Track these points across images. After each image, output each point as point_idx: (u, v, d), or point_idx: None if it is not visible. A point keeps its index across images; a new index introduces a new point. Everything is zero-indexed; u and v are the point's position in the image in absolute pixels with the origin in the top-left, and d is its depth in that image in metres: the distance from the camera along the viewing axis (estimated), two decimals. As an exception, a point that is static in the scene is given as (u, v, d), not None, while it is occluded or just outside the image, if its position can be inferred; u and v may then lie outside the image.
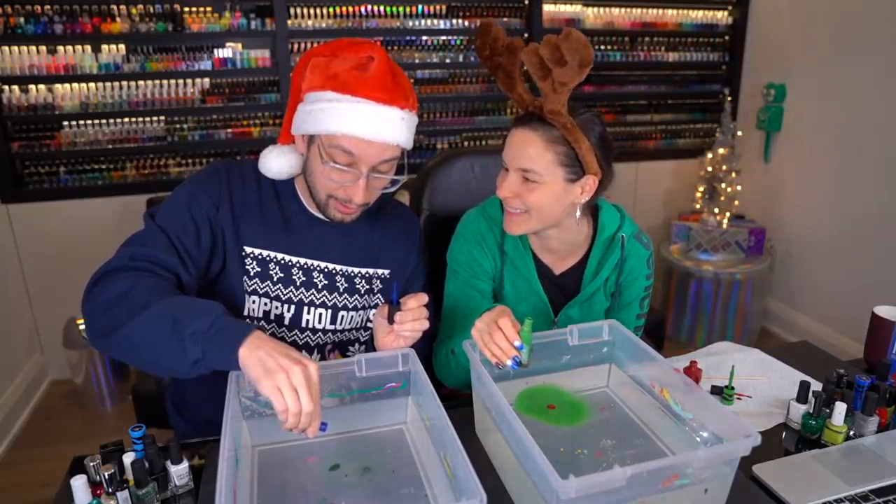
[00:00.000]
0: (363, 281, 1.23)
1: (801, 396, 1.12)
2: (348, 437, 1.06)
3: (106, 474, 0.88)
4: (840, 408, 1.07)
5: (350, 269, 1.21)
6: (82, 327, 2.60)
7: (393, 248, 1.26)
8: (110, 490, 0.89)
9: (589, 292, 1.29)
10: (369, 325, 1.28)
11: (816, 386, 1.17)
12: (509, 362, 0.99)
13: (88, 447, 1.03)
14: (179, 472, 0.94)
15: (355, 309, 1.23)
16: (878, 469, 1.00)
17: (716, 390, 1.22)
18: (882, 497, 0.95)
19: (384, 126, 1.02)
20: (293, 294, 1.17)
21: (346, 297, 1.21)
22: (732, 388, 1.20)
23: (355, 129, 1.01)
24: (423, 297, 1.09)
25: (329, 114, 1.02)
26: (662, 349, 1.47)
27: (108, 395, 2.66)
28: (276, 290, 1.15)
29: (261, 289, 1.14)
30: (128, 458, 0.94)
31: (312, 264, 1.18)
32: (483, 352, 1.01)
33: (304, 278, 1.17)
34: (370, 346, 1.28)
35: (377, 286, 1.25)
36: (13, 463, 2.32)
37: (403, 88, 1.05)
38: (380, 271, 1.25)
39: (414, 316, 1.06)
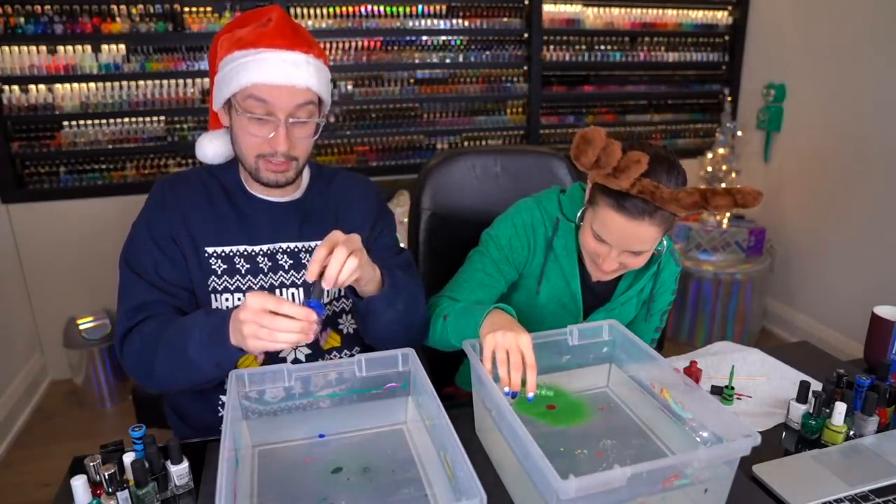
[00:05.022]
0: None
1: (801, 396, 1.12)
2: (348, 438, 1.06)
3: (106, 474, 0.88)
4: (840, 408, 1.07)
5: (313, 243, 1.21)
6: (82, 327, 2.60)
7: (350, 211, 1.26)
8: (110, 490, 0.88)
9: (619, 302, 1.29)
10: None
11: (816, 386, 1.17)
12: (507, 389, 0.97)
13: (88, 447, 1.03)
14: (179, 472, 0.94)
15: None
16: (878, 469, 1.00)
17: (716, 390, 1.22)
18: (882, 497, 0.95)
19: (289, 69, 1.05)
20: (263, 281, 1.17)
21: None
22: (732, 388, 1.20)
23: (262, 76, 1.04)
24: (321, 251, 0.96)
25: (237, 71, 1.05)
26: (662, 349, 1.47)
27: (108, 395, 2.66)
28: (246, 283, 1.16)
29: (231, 285, 1.15)
30: (128, 458, 0.94)
31: (275, 247, 1.18)
32: (496, 364, 0.98)
33: (269, 263, 1.18)
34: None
35: None
36: (13, 463, 2.32)
37: (305, 38, 1.09)
38: None
39: (336, 267, 0.95)
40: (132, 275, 1.12)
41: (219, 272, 1.15)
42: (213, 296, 1.15)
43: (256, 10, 1.11)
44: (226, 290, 1.15)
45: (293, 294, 1.20)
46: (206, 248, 1.14)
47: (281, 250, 1.19)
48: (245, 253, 1.16)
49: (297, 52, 1.06)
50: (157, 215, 1.14)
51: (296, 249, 1.20)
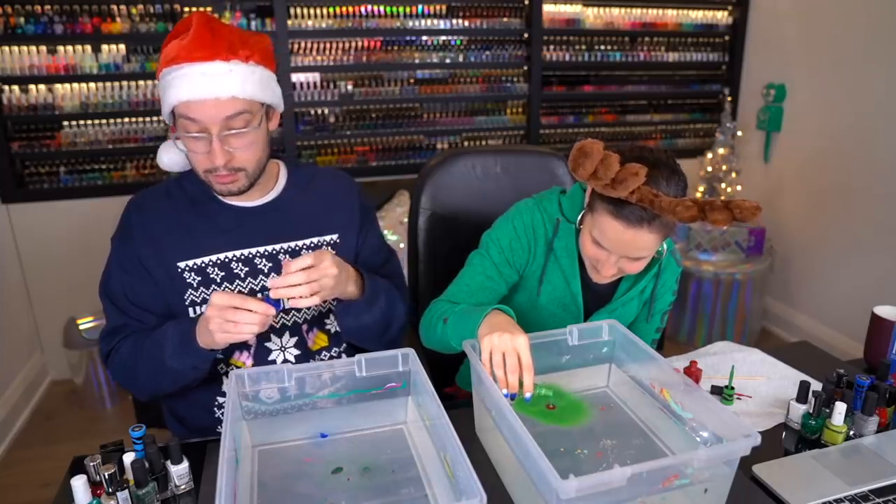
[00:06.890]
0: (311, 251, 1.20)
1: (801, 396, 1.12)
2: (348, 438, 1.06)
3: (106, 474, 0.88)
4: (840, 408, 1.07)
5: (292, 243, 1.20)
6: (82, 327, 2.60)
7: (333, 211, 1.25)
8: (110, 490, 0.88)
9: (621, 303, 1.29)
10: None
11: (816, 386, 1.17)
12: (505, 391, 0.97)
13: (88, 447, 1.03)
14: (179, 472, 0.94)
15: None
16: (878, 469, 1.01)
17: (716, 390, 1.22)
18: (882, 497, 0.95)
19: (210, 82, 1.02)
20: (241, 287, 1.16)
21: None
22: (732, 388, 1.20)
23: (185, 94, 1.02)
24: (304, 261, 1.01)
25: (166, 91, 1.05)
26: (662, 349, 1.47)
27: (108, 395, 2.66)
28: (223, 290, 1.14)
29: (209, 295, 1.13)
30: (128, 458, 0.94)
31: (251, 252, 1.17)
32: (493, 365, 0.98)
33: (246, 268, 1.16)
34: None
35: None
36: (13, 463, 2.32)
37: (227, 41, 1.04)
38: (326, 238, 1.23)
39: (288, 282, 0.99)
40: (107, 300, 1.16)
41: (194, 285, 1.14)
42: (191, 308, 1.14)
43: (184, 20, 1.08)
44: (203, 301, 1.14)
45: None
46: (178, 264, 1.13)
47: (259, 254, 1.17)
48: (218, 261, 1.15)
49: (217, 62, 1.02)
50: (125, 242, 1.14)
51: (273, 252, 1.18)
